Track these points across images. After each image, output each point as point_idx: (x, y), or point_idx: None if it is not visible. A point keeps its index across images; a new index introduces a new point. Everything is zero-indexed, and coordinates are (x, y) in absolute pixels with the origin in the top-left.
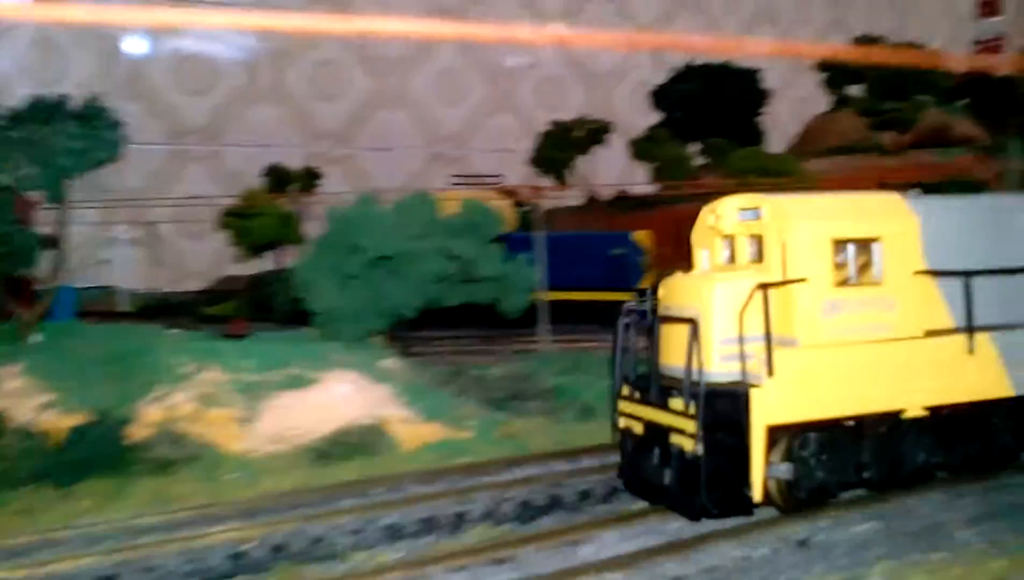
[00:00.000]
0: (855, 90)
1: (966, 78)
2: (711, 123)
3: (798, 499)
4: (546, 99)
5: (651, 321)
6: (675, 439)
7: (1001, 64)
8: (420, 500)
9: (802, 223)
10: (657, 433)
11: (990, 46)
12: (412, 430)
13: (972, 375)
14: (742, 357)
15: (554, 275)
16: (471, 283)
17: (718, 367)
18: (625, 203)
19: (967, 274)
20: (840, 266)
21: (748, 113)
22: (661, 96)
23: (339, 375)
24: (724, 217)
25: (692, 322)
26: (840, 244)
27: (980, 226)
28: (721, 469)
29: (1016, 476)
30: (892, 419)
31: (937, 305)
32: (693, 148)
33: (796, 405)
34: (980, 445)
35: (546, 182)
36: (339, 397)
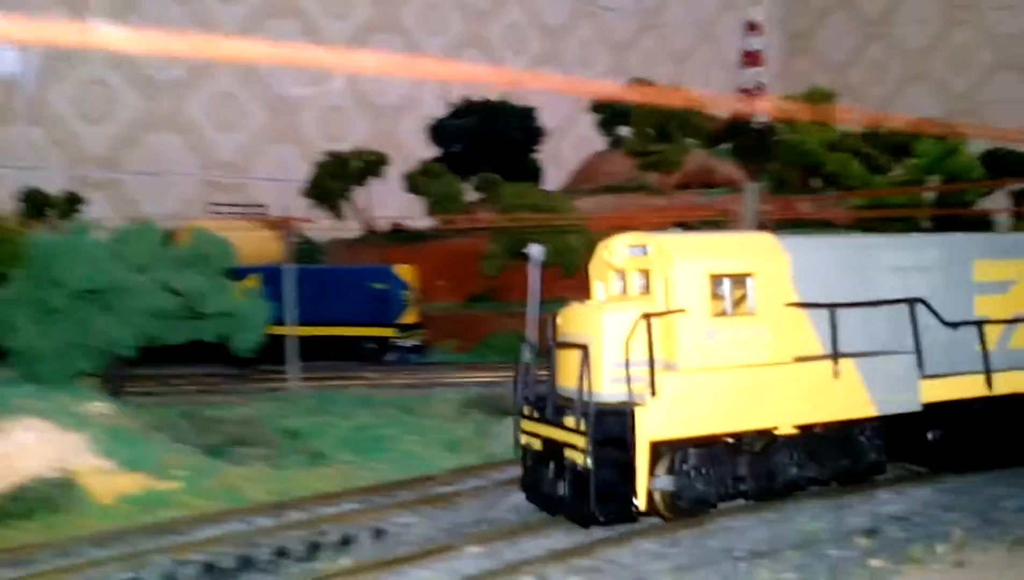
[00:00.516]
0: (626, 131)
1: (728, 123)
2: (488, 158)
3: (680, 509)
4: (330, 130)
5: (549, 347)
6: (568, 454)
7: (760, 111)
8: (89, 566)
9: (682, 260)
10: (553, 449)
11: (752, 94)
12: (109, 482)
13: (838, 397)
14: (628, 380)
15: (308, 309)
16: (197, 319)
17: (608, 389)
18: (400, 236)
19: (832, 306)
20: (717, 298)
21: (524, 149)
22: (440, 130)
23: (25, 423)
24: (615, 253)
25: (583, 348)
26: (717, 279)
27: (846, 263)
28: (608, 481)
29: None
30: (766, 436)
31: (807, 334)
32: (469, 183)
33: (677, 423)
34: (849, 460)
35: (320, 213)
36: (20, 447)
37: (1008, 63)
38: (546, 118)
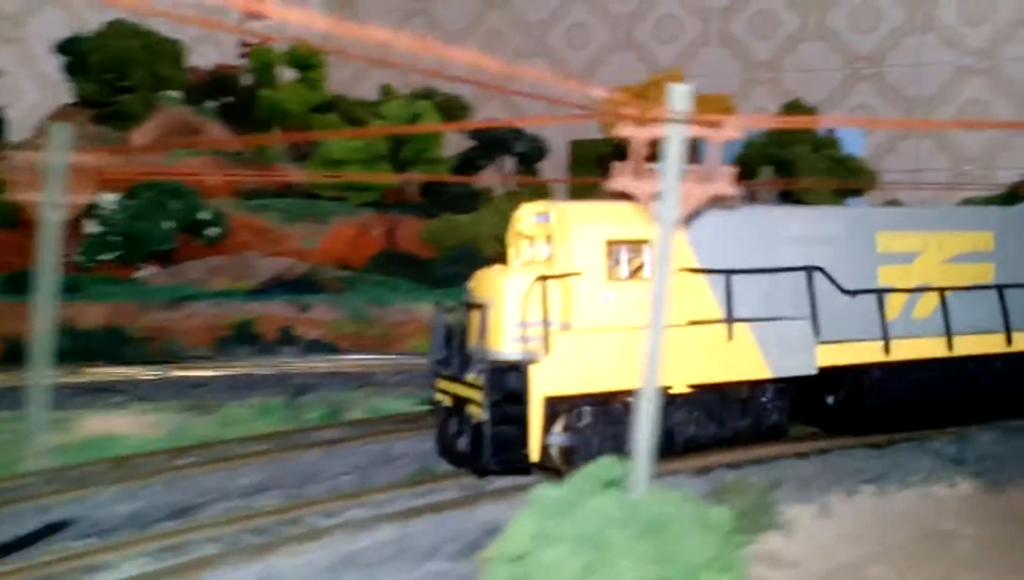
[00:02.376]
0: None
1: (212, 77)
2: None
3: (576, 465)
4: None
5: (462, 307)
6: (470, 409)
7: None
8: None
9: (580, 225)
10: (459, 405)
11: (249, 46)
12: None
13: (732, 359)
14: (524, 338)
15: None
16: None
17: (508, 347)
18: None
19: (727, 272)
20: (614, 263)
21: None
22: None
23: None
24: (524, 220)
25: (484, 308)
26: (614, 245)
27: (746, 233)
28: (504, 434)
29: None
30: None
31: (704, 299)
32: None
33: (570, 380)
34: (750, 421)
35: None
36: None
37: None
38: None
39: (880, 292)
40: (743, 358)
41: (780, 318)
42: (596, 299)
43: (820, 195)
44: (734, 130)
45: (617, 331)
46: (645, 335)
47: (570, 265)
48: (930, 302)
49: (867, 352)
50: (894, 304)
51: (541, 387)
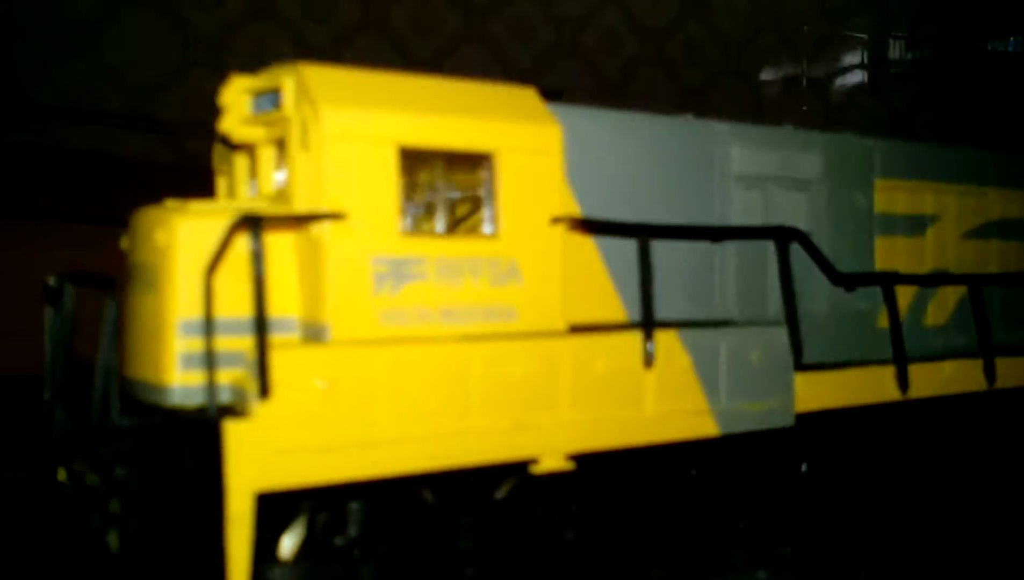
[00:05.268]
0: None
1: None
2: None
3: None
4: None
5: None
6: (112, 506)
7: None
8: None
9: (343, 111)
10: (90, 493)
11: None
12: None
13: (652, 402)
14: (210, 361)
15: None
16: None
17: (180, 378)
18: None
19: (644, 230)
20: (415, 199)
21: None
22: None
23: None
24: (232, 108)
25: (110, 290)
26: (415, 156)
27: (662, 158)
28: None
29: None
30: (512, 478)
31: (593, 280)
32: None
33: (319, 452)
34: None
35: None
36: None
37: None
38: None
39: (885, 280)
40: (672, 400)
41: (728, 322)
42: (380, 274)
43: None
44: None
45: (428, 346)
46: (490, 352)
47: (321, 196)
48: (949, 300)
49: (873, 385)
50: (900, 302)
51: (251, 471)
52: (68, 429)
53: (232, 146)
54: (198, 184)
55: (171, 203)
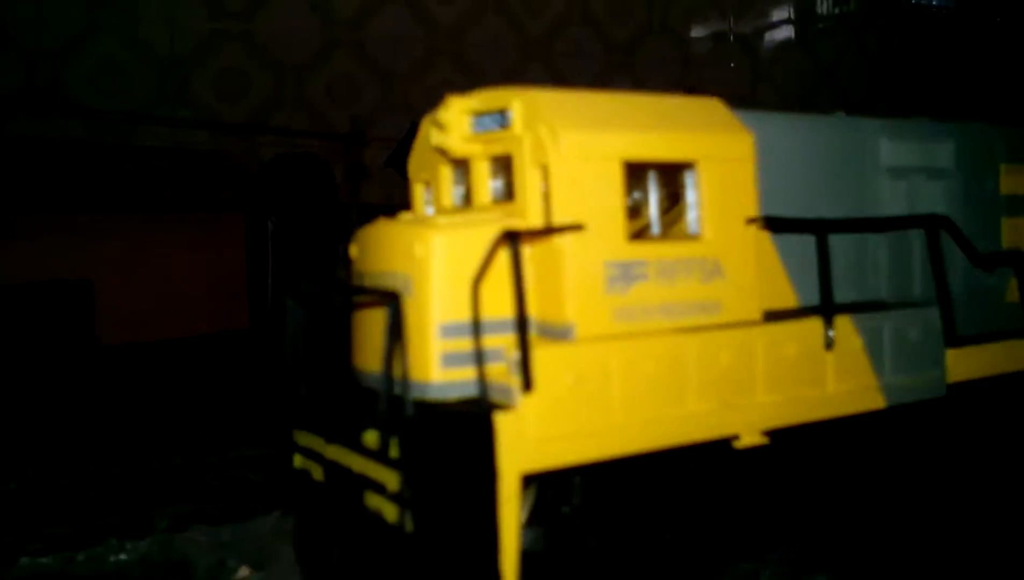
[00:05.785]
0: None
1: None
2: None
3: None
4: None
5: (340, 298)
6: (370, 499)
7: None
8: None
9: (574, 132)
10: (345, 484)
11: None
12: None
13: (833, 382)
14: (479, 358)
15: None
16: None
17: (439, 375)
18: None
19: (822, 227)
20: (637, 207)
21: None
22: None
23: None
24: (450, 127)
25: (392, 299)
26: (636, 169)
27: (828, 157)
28: (446, 554)
29: None
30: (715, 454)
31: (774, 272)
32: None
33: (568, 439)
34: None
35: None
36: None
37: None
38: None
39: (1020, 258)
40: (849, 379)
41: (883, 306)
42: (612, 277)
43: None
44: None
45: (651, 340)
46: (705, 343)
47: (558, 210)
48: None
49: (1012, 357)
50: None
51: (515, 456)
52: (327, 419)
53: (451, 160)
54: None
55: (407, 216)
